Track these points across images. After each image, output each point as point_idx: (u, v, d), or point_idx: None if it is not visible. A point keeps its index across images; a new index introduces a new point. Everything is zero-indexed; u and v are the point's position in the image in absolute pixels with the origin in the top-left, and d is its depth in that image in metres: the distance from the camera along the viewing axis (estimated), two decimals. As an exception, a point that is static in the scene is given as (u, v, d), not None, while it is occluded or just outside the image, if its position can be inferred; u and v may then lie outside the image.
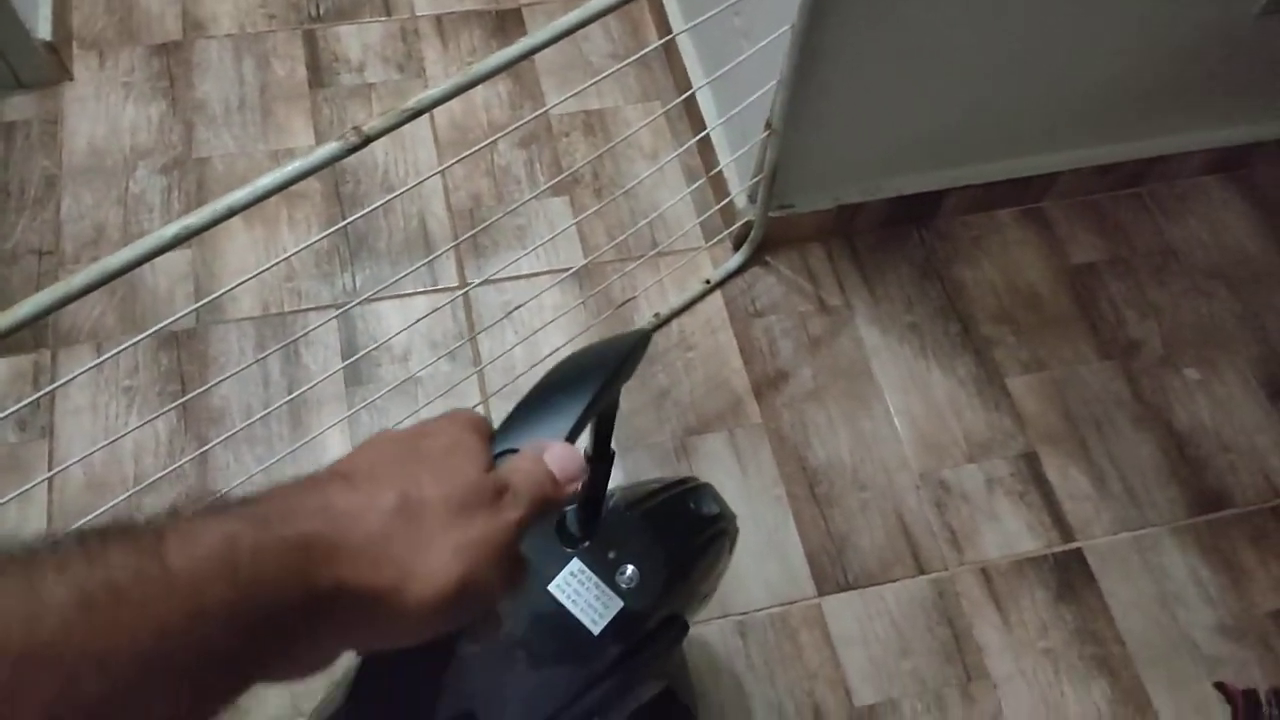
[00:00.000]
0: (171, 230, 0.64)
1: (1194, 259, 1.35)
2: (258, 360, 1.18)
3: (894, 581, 1.10)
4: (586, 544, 0.65)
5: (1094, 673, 1.06)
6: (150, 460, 1.13)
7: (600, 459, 0.58)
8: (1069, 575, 1.11)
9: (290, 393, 1.16)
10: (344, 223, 0.87)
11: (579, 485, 0.38)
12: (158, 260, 1.29)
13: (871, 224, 1.33)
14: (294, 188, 1.35)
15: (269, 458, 1.12)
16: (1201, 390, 1.25)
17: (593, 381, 0.41)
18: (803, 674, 1.04)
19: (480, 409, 1.19)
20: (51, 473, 1.02)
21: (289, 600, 0.27)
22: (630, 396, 1.20)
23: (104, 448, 1.00)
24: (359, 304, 1.24)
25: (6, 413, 0.77)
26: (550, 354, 1.19)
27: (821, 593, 1.09)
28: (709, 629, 1.06)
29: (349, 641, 0.31)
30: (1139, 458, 1.20)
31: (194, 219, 0.65)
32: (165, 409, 1.11)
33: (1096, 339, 1.28)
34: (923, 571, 1.11)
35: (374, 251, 1.30)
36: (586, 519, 0.66)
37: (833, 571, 1.10)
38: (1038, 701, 1.04)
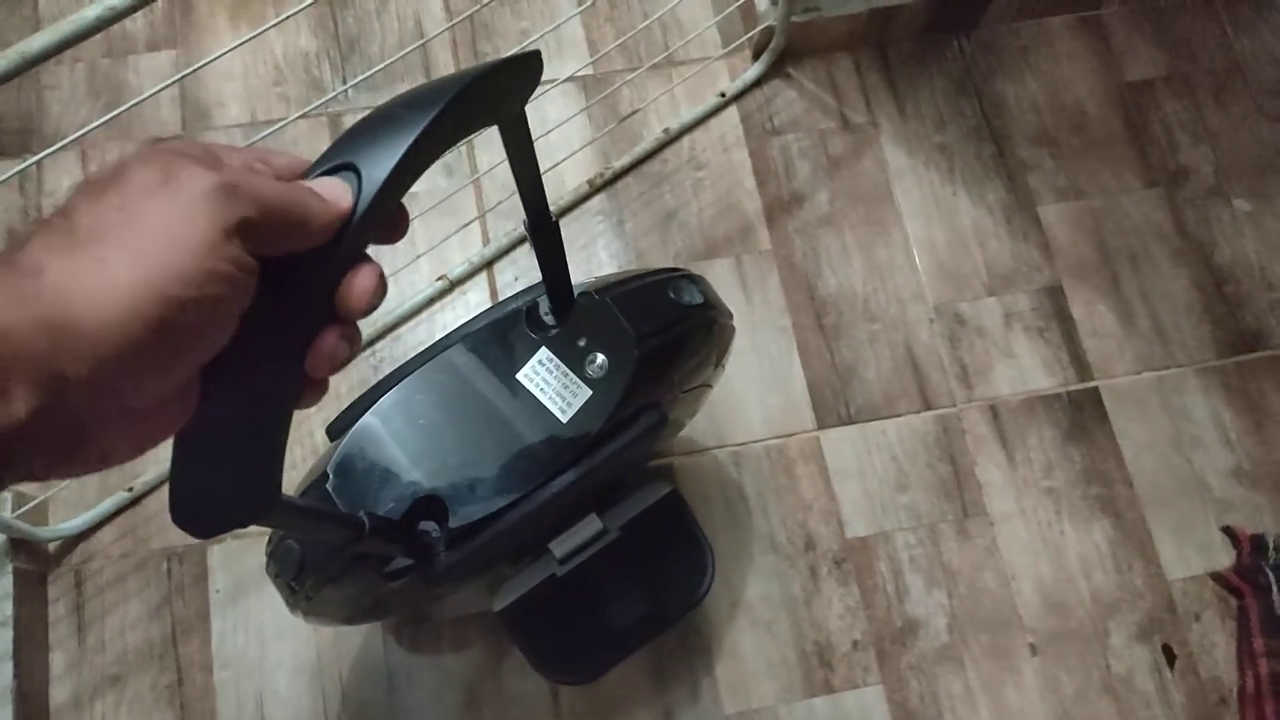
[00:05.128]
0: (94, 12, 0.58)
1: (1261, 76, 1.22)
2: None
3: (897, 416, 1.06)
4: (555, 332, 0.63)
5: (1097, 513, 1.04)
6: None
7: (540, 231, 0.55)
8: (1082, 415, 1.07)
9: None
10: None
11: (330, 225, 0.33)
12: (140, 63, 1.23)
13: (907, 32, 1.21)
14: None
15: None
16: (1250, 223, 1.15)
17: (433, 104, 0.34)
18: (797, 505, 1.03)
19: (476, 225, 1.13)
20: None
21: None
22: (635, 218, 1.14)
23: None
24: (352, 112, 1.17)
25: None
26: (551, 167, 1.12)
27: (822, 426, 1.06)
28: (704, 459, 1.04)
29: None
30: (1172, 294, 1.12)
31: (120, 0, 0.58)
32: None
33: (1143, 165, 1.18)
34: (929, 407, 1.07)
35: (366, 56, 1.22)
36: (556, 304, 0.63)
37: (834, 404, 1.07)
38: (1035, 539, 1.02)
